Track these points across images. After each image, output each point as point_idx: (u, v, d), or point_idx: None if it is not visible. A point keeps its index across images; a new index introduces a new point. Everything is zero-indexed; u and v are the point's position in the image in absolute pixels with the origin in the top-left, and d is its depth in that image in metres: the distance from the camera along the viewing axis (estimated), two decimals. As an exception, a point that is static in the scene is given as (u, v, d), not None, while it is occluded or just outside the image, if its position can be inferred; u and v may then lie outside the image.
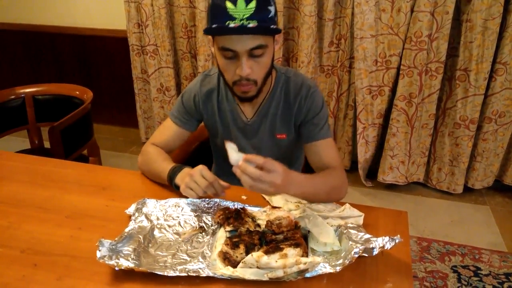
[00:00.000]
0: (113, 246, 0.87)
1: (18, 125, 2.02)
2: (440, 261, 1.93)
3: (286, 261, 0.81)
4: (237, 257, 0.86)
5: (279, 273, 0.81)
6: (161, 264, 0.87)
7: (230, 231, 0.95)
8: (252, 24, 0.93)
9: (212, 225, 1.00)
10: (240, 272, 0.82)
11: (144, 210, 1.03)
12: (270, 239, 0.92)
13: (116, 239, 0.89)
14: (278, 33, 1.02)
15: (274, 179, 0.86)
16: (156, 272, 0.82)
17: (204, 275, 0.83)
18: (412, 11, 2.13)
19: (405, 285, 0.84)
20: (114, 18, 2.88)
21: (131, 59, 2.82)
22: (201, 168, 1.03)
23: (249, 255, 0.82)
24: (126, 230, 0.94)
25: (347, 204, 1.02)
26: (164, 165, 1.14)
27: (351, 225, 0.93)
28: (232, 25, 0.93)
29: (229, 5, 0.93)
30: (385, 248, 0.82)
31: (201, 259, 0.88)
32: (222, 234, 0.95)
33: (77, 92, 2.00)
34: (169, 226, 0.99)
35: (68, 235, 0.98)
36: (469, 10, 2.05)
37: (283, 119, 1.20)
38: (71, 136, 1.81)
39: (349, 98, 2.49)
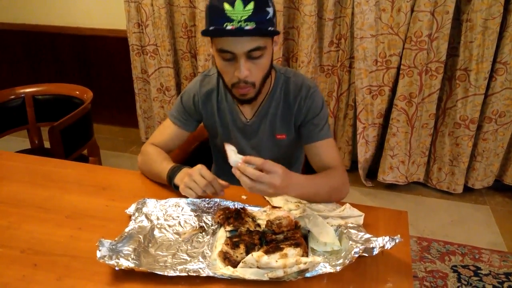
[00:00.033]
0: (113, 246, 0.87)
1: (18, 125, 2.02)
2: (440, 260, 1.93)
3: (286, 261, 0.81)
4: (237, 257, 0.86)
5: (279, 273, 0.81)
6: (161, 264, 0.87)
7: (230, 231, 0.95)
8: (250, 26, 0.93)
9: (212, 225, 1.00)
10: (240, 272, 0.82)
11: (144, 210, 1.03)
12: (270, 239, 0.92)
13: (116, 239, 0.89)
14: (276, 35, 1.02)
15: (273, 180, 0.86)
16: (156, 272, 0.82)
17: (204, 275, 0.83)
18: (412, 10, 2.13)
19: (405, 285, 0.83)
20: (114, 18, 2.88)
21: (131, 59, 2.81)
22: (200, 168, 1.03)
23: (249, 255, 0.82)
24: (126, 230, 0.94)
25: (347, 204, 1.02)
26: (164, 165, 1.14)
27: (351, 225, 0.93)
28: (229, 27, 0.93)
29: (227, 6, 0.92)
30: (385, 248, 0.82)
31: (201, 259, 0.88)
32: (222, 234, 0.95)
33: (77, 92, 2.00)
34: (169, 226, 0.99)
35: (68, 235, 0.98)
36: (469, 10, 2.05)
37: (283, 119, 1.20)
38: (71, 136, 1.81)
39: (349, 98, 2.49)
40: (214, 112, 1.24)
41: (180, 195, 1.08)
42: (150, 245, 0.93)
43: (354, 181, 2.58)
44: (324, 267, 0.83)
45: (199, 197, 1.04)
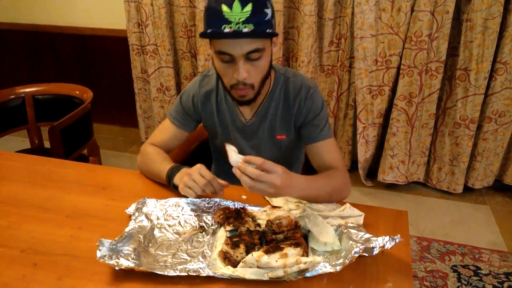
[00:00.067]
0: (113, 246, 0.87)
1: (18, 125, 2.02)
2: (440, 260, 1.93)
3: (287, 260, 0.81)
4: (237, 256, 0.86)
5: (280, 273, 0.81)
6: (161, 263, 0.87)
7: (230, 231, 0.95)
8: (247, 28, 0.92)
9: (212, 225, 1.00)
10: (240, 271, 0.82)
11: (144, 209, 1.03)
12: (270, 239, 0.91)
13: (116, 238, 0.89)
14: (275, 37, 1.01)
15: (273, 179, 0.86)
16: (156, 272, 0.82)
17: (204, 274, 0.83)
18: (412, 10, 2.13)
19: (405, 284, 0.84)
20: (114, 17, 2.88)
21: (131, 59, 2.81)
22: (199, 167, 1.03)
23: (249, 255, 0.82)
24: (126, 229, 0.94)
25: (347, 203, 1.02)
26: (163, 165, 1.14)
27: (351, 225, 0.93)
28: (227, 29, 0.92)
29: (224, 8, 0.92)
30: (385, 247, 0.82)
31: (201, 259, 0.88)
32: (222, 234, 0.95)
33: (77, 92, 2.00)
34: (169, 226, 0.99)
35: (68, 235, 0.98)
36: (469, 10, 2.05)
37: (283, 119, 1.20)
38: (71, 136, 1.81)
39: (349, 97, 2.49)
40: (213, 112, 1.24)
41: (180, 195, 1.08)
42: (150, 244, 0.93)
43: (354, 181, 2.58)
44: (324, 267, 0.83)
45: (198, 196, 1.04)
